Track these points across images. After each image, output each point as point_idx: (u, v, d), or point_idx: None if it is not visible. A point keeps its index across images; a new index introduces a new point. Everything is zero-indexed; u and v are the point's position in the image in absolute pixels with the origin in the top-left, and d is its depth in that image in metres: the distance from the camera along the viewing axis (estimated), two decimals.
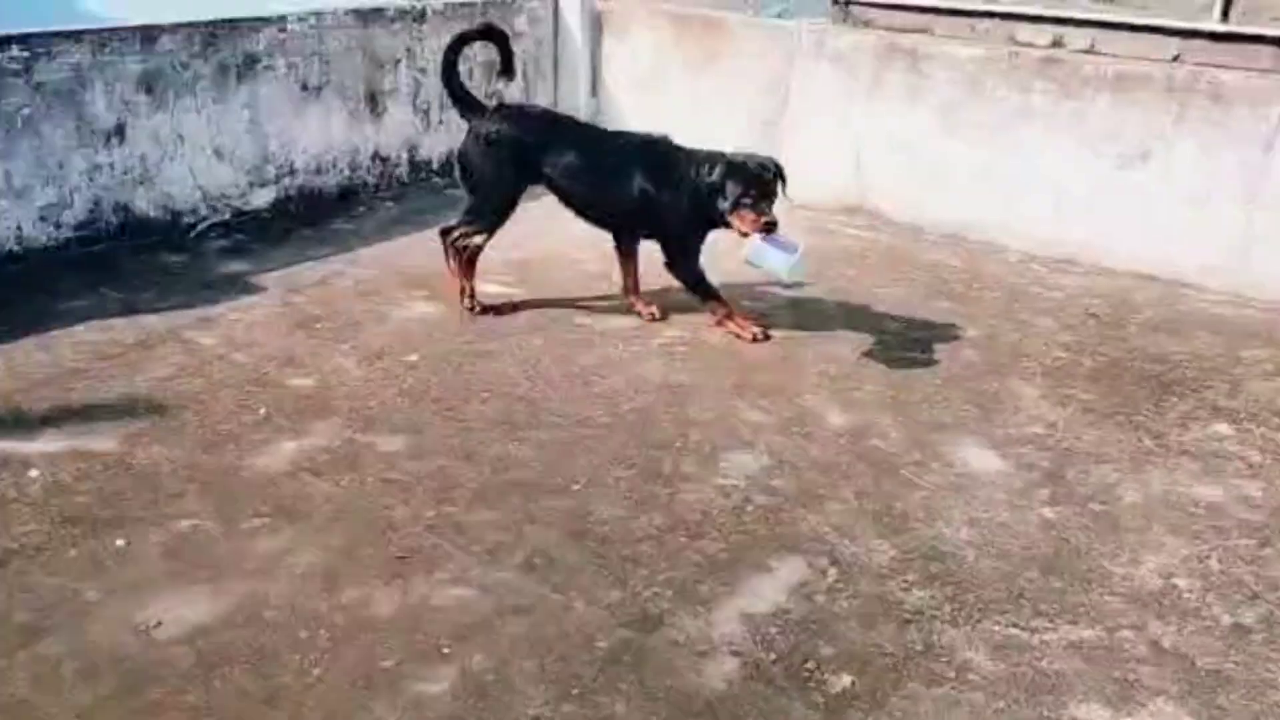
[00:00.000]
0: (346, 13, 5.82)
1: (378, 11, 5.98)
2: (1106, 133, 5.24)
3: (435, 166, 6.52)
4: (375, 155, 6.18)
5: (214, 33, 5.25)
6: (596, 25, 6.98)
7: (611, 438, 3.63)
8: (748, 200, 4.09)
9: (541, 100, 7.06)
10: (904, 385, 4.09)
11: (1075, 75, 5.27)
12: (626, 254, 4.66)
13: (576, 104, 6.98)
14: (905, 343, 4.46)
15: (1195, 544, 3.14)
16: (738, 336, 4.44)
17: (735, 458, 3.53)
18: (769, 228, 4.08)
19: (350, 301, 4.67)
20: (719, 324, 4.49)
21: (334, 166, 5.98)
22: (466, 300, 4.61)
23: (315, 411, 3.73)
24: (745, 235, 4.13)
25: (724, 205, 4.15)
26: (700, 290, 4.49)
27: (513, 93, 6.83)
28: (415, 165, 6.41)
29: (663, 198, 4.35)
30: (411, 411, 3.76)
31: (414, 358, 4.17)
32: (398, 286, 4.86)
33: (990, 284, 5.18)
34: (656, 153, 4.42)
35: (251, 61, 5.44)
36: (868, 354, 4.34)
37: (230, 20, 5.32)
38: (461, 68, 4.79)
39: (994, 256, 5.56)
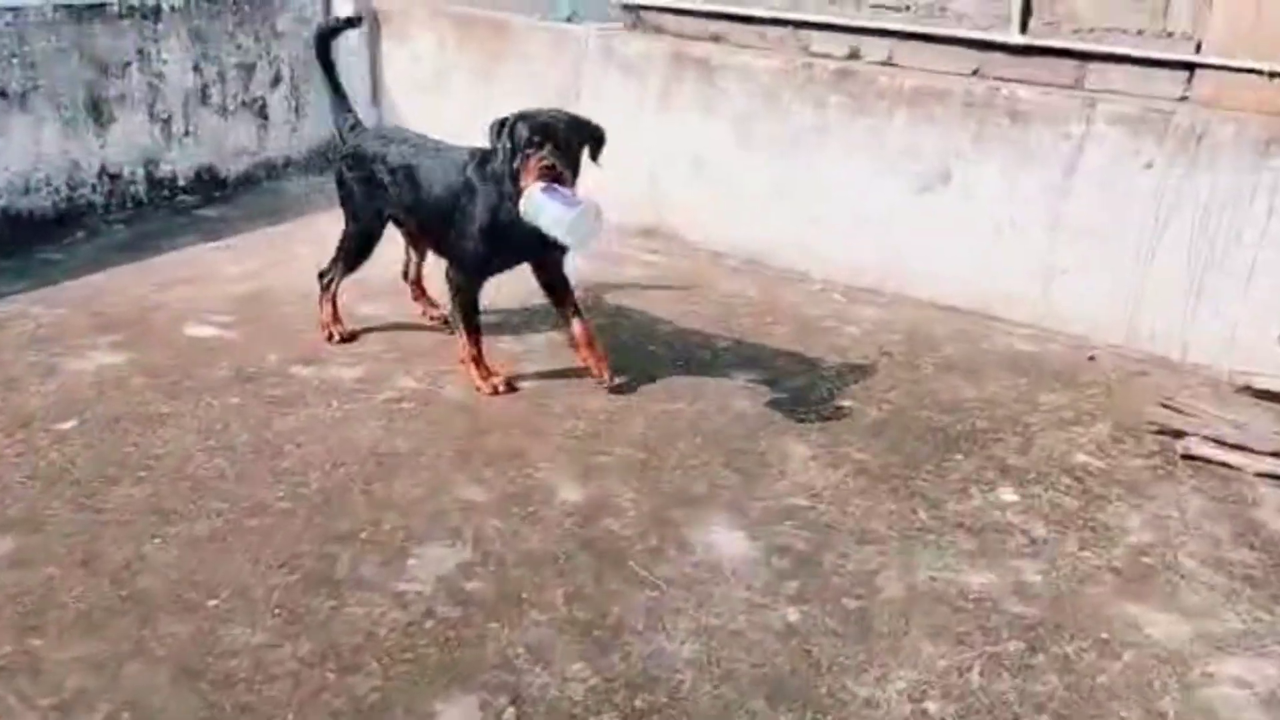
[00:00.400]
0: (56, 8, 5.00)
1: (97, 8, 5.17)
2: (905, 151, 4.81)
3: (182, 184, 5.74)
4: (102, 172, 5.37)
5: None
6: (374, 26, 6.29)
7: (283, 529, 2.97)
8: (530, 149, 3.49)
9: (316, 110, 6.34)
10: (660, 446, 3.53)
11: (870, 89, 4.82)
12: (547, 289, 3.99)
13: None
14: (673, 391, 3.91)
15: (957, 651, 2.64)
16: (477, 389, 3.82)
17: (431, 551, 2.91)
18: (547, 172, 3.45)
19: (18, 352, 3.90)
20: (462, 362, 3.86)
21: (47, 185, 5.14)
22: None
23: None
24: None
25: (516, 164, 3.54)
26: (462, 310, 3.82)
27: (277, 101, 6.14)
28: (155, 182, 5.61)
29: (472, 191, 3.76)
30: (38, 499, 3.03)
31: (69, 425, 3.43)
32: (86, 330, 4.10)
33: (784, 317, 4.69)
34: (481, 153, 3.79)
35: None
36: (627, 407, 3.78)
37: None
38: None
39: (794, 284, 5.08)
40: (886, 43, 4.94)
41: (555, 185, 3.45)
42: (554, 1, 6.13)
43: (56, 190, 5.18)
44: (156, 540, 2.88)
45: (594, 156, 3.72)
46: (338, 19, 4.62)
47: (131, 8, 5.32)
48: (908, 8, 4.86)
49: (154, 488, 3.12)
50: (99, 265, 4.78)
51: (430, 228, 4.02)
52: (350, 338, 4.20)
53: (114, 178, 5.42)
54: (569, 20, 5.94)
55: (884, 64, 4.96)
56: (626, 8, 5.67)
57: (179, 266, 4.83)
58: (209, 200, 5.80)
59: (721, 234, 5.39)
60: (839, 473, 3.43)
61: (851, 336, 4.52)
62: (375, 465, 3.31)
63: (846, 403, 3.91)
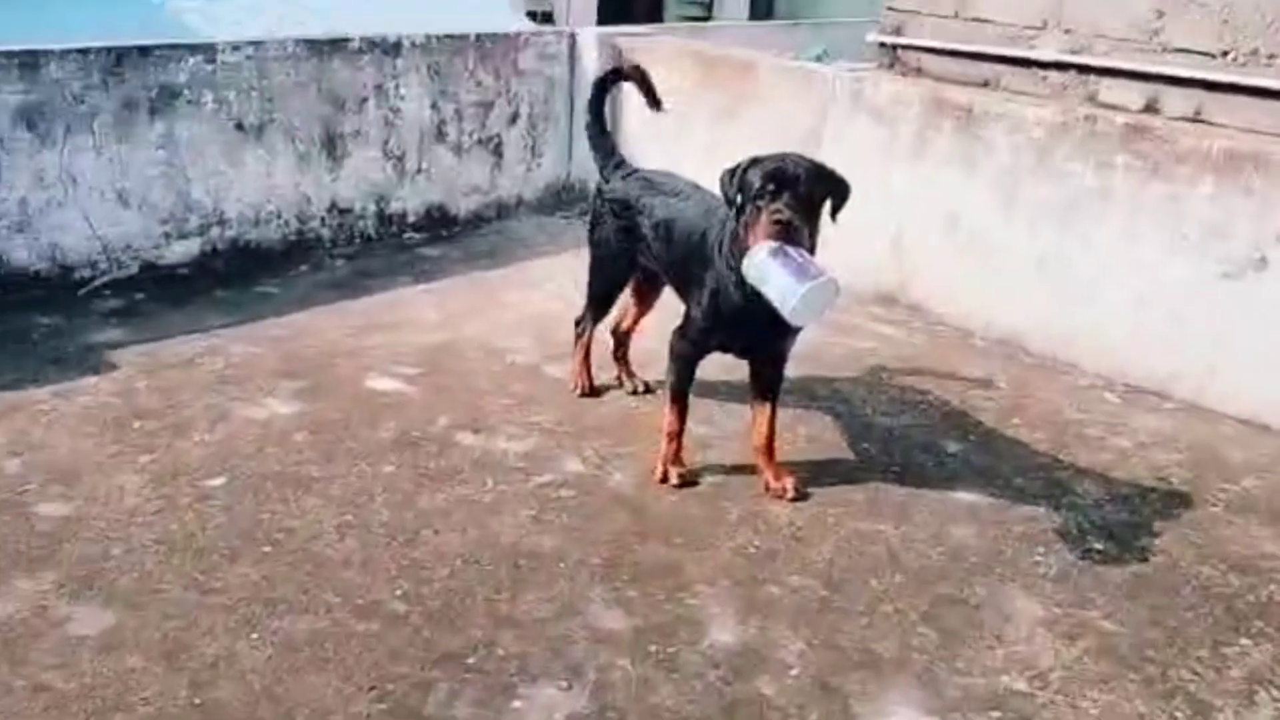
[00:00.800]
0: (297, 43, 5.02)
1: (339, 42, 5.16)
2: (1209, 227, 3.91)
3: (411, 221, 5.66)
4: (333, 206, 5.35)
5: (119, 61, 4.52)
6: (616, 62, 5.98)
7: (389, 639, 2.60)
8: (762, 200, 2.93)
9: (553, 149, 6.13)
10: (847, 580, 2.91)
11: (1168, 149, 3.95)
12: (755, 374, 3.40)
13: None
14: (878, 506, 3.27)
15: None
16: (653, 472, 3.34)
17: (541, 693, 2.45)
18: (779, 230, 2.87)
19: (200, 391, 3.81)
20: (661, 428, 3.38)
21: (277, 217, 5.17)
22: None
23: (35, 558, 2.84)
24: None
25: (744, 218, 3.01)
26: (673, 379, 3.35)
27: (514, 139, 5.97)
28: (385, 219, 5.56)
29: (705, 248, 3.30)
30: (156, 568, 2.83)
31: (219, 481, 3.25)
32: (271, 373, 3.98)
33: (1037, 418, 3.91)
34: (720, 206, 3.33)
35: (170, 95, 4.69)
36: (816, 521, 3.18)
37: (142, 47, 4.59)
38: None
39: (1055, 377, 4.28)
40: (1194, 94, 4.06)
41: (787, 247, 2.90)
42: (807, 39, 5.62)
43: (286, 223, 5.21)
44: (254, 636, 2.59)
45: (834, 214, 3.14)
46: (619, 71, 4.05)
47: (372, 43, 5.28)
48: (1225, 53, 3.96)
49: (272, 569, 2.84)
50: (308, 303, 4.70)
51: (678, 286, 3.55)
52: (593, 392, 3.92)
53: (344, 213, 5.40)
54: (819, 59, 5.40)
55: (1189, 119, 4.09)
56: (883, 46, 5.05)
57: (383, 309, 4.68)
58: (436, 239, 5.68)
59: (973, 308, 4.66)
60: (1075, 648, 2.67)
61: (1120, 452, 3.69)
62: (510, 568, 2.90)
63: (1099, 545, 3.12)
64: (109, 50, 4.48)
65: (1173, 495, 3.42)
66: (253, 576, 2.81)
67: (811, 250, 3.02)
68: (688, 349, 3.31)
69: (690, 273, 3.35)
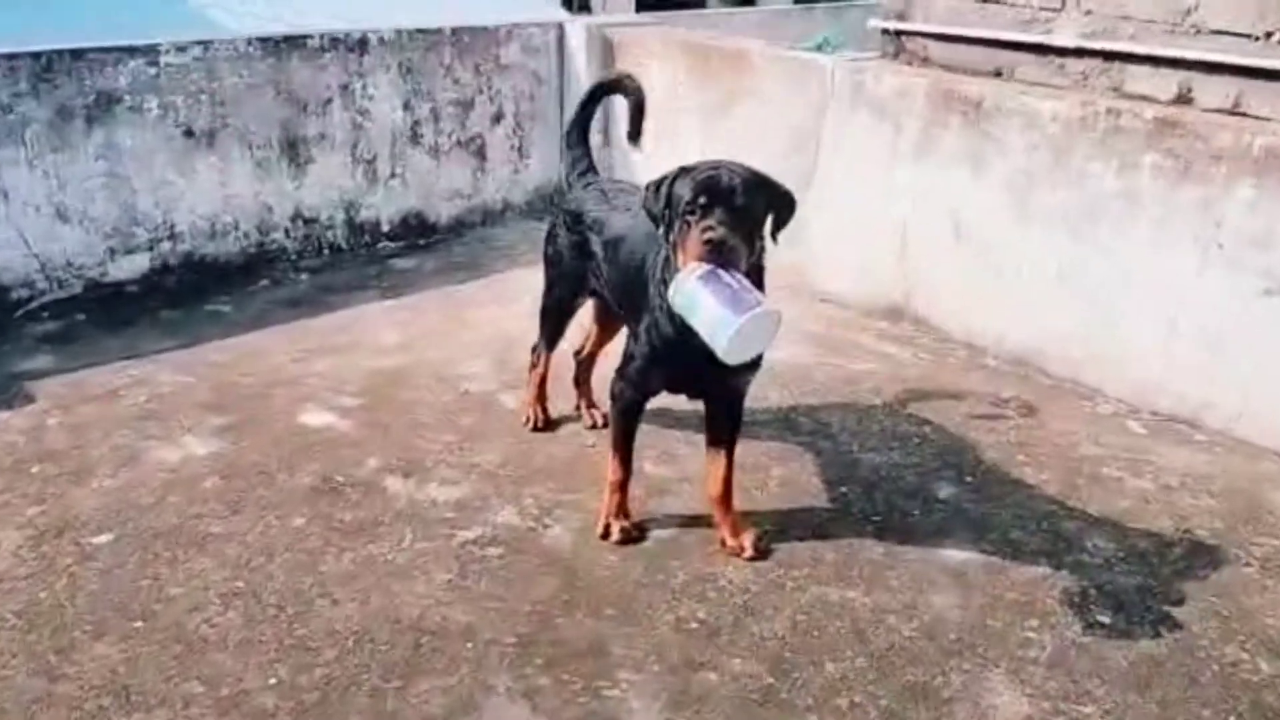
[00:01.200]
0: (249, 42, 4.67)
1: (296, 40, 4.80)
2: (1249, 237, 3.40)
3: (385, 229, 5.30)
4: (297, 215, 5.01)
5: (49, 66, 4.20)
6: (608, 57, 5.58)
7: None
8: (693, 215, 2.53)
9: (541, 149, 5.74)
10: (799, 663, 2.49)
11: (1202, 147, 3.45)
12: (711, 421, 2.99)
13: None
14: (848, 567, 2.84)
15: None
16: (595, 525, 2.95)
17: None
18: (711, 250, 2.47)
19: (112, 430, 3.47)
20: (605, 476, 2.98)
21: (235, 229, 4.84)
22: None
23: None
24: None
25: (672, 237, 2.60)
26: (613, 422, 2.96)
27: (498, 139, 5.59)
28: (356, 228, 5.20)
29: (643, 275, 2.89)
30: (8, 648, 2.48)
31: (106, 538, 2.91)
32: (198, 406, 3.64)
33: (1047, 453, 3.45)
34: None
35: (109, 102, 4.37)
36: (774, 586, 2.76)
37: (75, 50, 4.26)
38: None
39: (1073, 403, 3.80)
40: (1232, 83, 3.54)
41: (720, 271, 2.49)
42: (826, 26, 5.16)
43: (245, 235, 4.87)
44: None
45: (775, 232, 2.71)
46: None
47: (335, 40, 4.92)
48: (1268, 35, 3.44)
49: (136, 649, 2.49)
50: (260, 323, 4.36)
51: (625, 317, 3.14)
52: (546, 426, 3.54)
53: (309, 222, 5.05)
54: (819, 49, 4.93)
55: (1226, 112, 3.57)
56: (886, 33, 4.58)
57: (337, 330, 4.32)
58: (412, 248, 5.32)
59: (984, 324, 4.19)
60: None
61: (1140, 496, 3.21)
62: (409, 648, 2.51)
63: (1105, 617, 2.66)
64: (36, 55, 4.17)
65: (1199, 551, 2.94)
66: (113, 659, 2.46)
67: (758, 278, 2.61)
68: (628, 391, 2.89)
69: (633, 302, 2.94)
